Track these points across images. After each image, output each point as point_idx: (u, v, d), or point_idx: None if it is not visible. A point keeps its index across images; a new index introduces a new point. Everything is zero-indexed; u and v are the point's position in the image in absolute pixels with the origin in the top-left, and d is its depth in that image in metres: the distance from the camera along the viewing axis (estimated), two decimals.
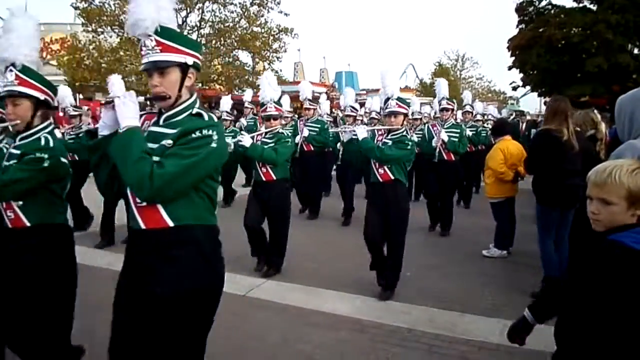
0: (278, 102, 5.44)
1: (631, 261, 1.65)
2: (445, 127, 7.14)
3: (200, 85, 20.32)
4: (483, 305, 4.43)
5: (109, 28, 21.98)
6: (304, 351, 3.62)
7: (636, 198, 1.71)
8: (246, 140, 5.03)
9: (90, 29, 21.70)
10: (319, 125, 8.29)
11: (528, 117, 25.29)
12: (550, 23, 20.60)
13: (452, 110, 7.44)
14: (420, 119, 9.79)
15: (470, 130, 9.08)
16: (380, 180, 4.59)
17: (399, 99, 4.67)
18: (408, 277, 5.30)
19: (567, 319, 1.84)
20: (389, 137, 4.69)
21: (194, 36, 23.21)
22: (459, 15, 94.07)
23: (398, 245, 4.64)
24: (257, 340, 3.79)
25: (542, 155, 4.58)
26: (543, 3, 22.27)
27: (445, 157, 7.13)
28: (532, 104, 38.78)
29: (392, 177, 4.55)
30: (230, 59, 24.19)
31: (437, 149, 7.11)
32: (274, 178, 5.09)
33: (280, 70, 26.05)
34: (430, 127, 7.51)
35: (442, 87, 7.49)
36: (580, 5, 21.25)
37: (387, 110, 4.66)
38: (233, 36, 23.24)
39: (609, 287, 1.67)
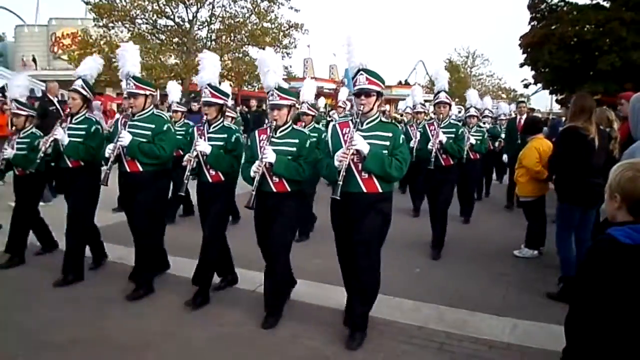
0: None
1: (617, 254, 1.73)
2: (363, 128, 3.66)
3: None
4: (494, 304, 4.40)
5: (120, 23, 22.06)
6: (314, 347, 3.62)
7: (611, 191, 1.87)
8: None
9: (101, 24, 21.78)
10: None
11: (537, 115, 24.84)
12: (563, 20, 20.42)
13: (379, 94, 3.73)
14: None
15: (446, 132, 5.94)
16: None
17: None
18: (417, 274, 5.29)
19: (575, 314, 1.87)
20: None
21: (204, 32, 23.31)
22: (470, 11, 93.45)
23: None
24: (267, 335, 3.79)
25: (568, 152, 4.47)
26: (555, 0, 22.06)
27: (365, 189, 3.61)
28: (543, 101, 38.50)
29: None
30: (240, 55, 24.20)
31: (342, 170, 3.53)
32: None
33: (290, 67, 26.07)
34: (337, 127, 3.83)
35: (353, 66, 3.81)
36: (594, 2, 21.04)
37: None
38: (243, 32, 23.22)
39: (600, 280, 1.75)
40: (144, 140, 4.44)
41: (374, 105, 3.71)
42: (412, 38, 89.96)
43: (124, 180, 4.62)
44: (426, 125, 6.20)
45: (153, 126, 4.50)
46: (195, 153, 4.18)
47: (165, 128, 4.55)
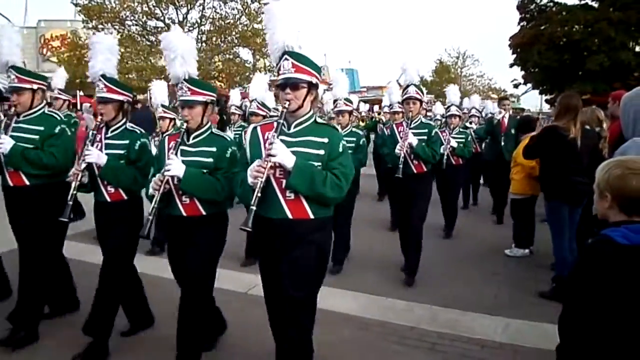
0: None
1: (614, 255, 1.72)
2: (290, 132, 2.76)
3: None
4: (486, 304, 4.41)
5: (109, 25, 21.97)
6: None
7: (600, 190, 1.86)
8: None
9: (90, 25, 21.70)
10: None
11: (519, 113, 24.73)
12: (552, 20, 20.65)
13: (312, 86, 2.85)
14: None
15: (417, 134, 4.99)
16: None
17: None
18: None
19: (570, 313, 1.86)
20: None
21: (194, 33, 23.26)
22: (460, 12, 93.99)
23: None
24: (259, 338, 3.75)
25: (546, 149, 4.54)
26: (545, 0, 22.26)
27: (290, 215, 2.69)
28: (533, 101, 38.81)
29: None
30: (231, 56, 24.18)
31: (257, 189, 2.62)
32: None
33: None
34: (258, 130, 2.94)
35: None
36: (582, 2, 21.25)
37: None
38: (234, 33, 23.23)
39: (596, 280, 1.74)
40: (31, 146, 3.53)
41: (304, 100, 2.71)
42: (403, 39, 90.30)
43: (6, 198, 3.67)
44: (394, 126, 5.21)
45: (42, 128, 3.59)
46: (84, 165, 3.28)
47: (57, 130, 3.62)
